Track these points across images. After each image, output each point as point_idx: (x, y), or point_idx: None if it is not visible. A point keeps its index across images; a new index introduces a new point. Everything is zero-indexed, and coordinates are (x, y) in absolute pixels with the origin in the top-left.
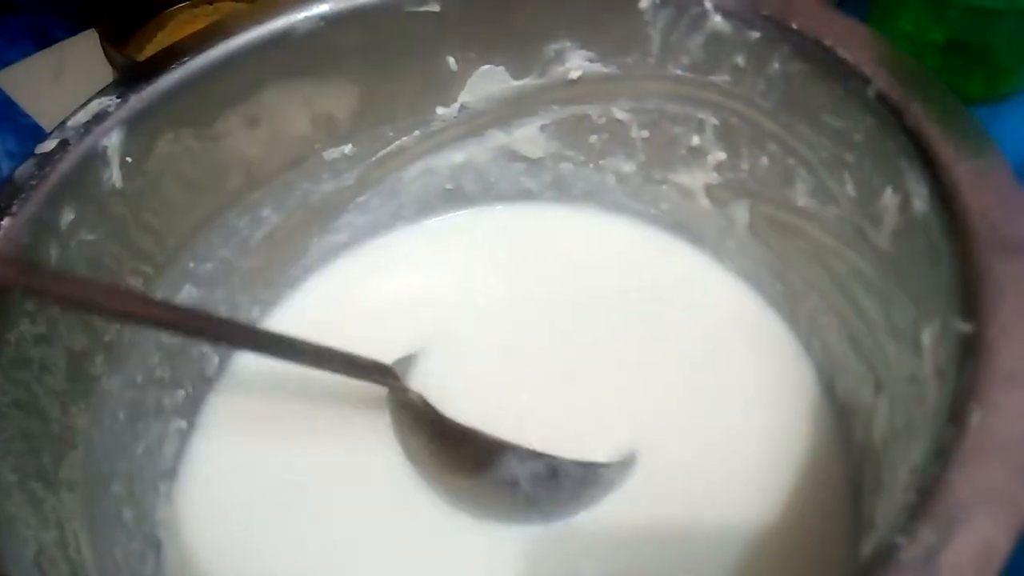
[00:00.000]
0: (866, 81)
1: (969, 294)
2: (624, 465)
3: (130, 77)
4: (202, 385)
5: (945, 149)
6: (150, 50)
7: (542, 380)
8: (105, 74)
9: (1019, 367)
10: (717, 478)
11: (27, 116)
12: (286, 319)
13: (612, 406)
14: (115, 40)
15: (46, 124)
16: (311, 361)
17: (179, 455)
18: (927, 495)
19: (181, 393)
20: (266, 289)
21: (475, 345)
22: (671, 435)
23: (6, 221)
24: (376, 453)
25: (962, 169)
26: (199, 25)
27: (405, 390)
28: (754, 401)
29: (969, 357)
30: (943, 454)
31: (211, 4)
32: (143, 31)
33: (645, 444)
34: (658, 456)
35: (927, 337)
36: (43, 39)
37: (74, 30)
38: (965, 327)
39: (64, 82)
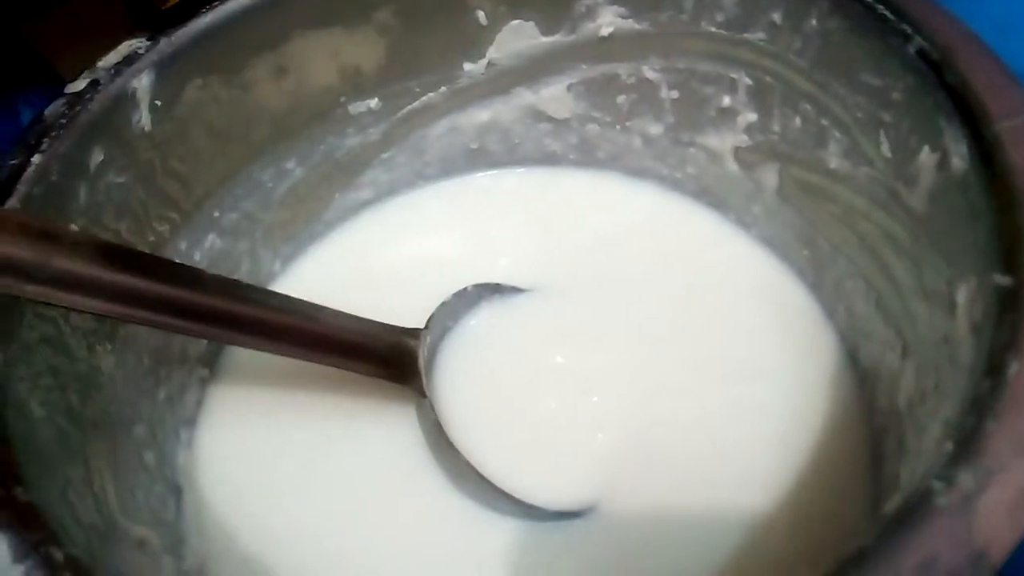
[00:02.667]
0: (907, 38)
1: (1009, 249)
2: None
3: (160, 21)
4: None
5: (986, 106)
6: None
7: (560, 345)
8: (125, 26)
9: None
10: (735, 447)
11: (47, 65)
12: (306, 274)
13: (632, 371)
14: None
15: (66, 74)
16: (314, 351)
17: (200, 403)
18: (964, 444)
19: (204, 342)
20: (288, 243)
21: (494, 309)
22: (689, 402)
23: (36, 158)
24: (396, 407)
25: (1003, 126)
26: None
27: (422, 395)
28: (775, 369)
29: (1008, 310)
30: (980, 405)
31: None
32: None
33: (662, 410)
34: (676, 422)
35: (962, 295)
36: None
37: None
38: (1004, 281)
39: (84, 34)
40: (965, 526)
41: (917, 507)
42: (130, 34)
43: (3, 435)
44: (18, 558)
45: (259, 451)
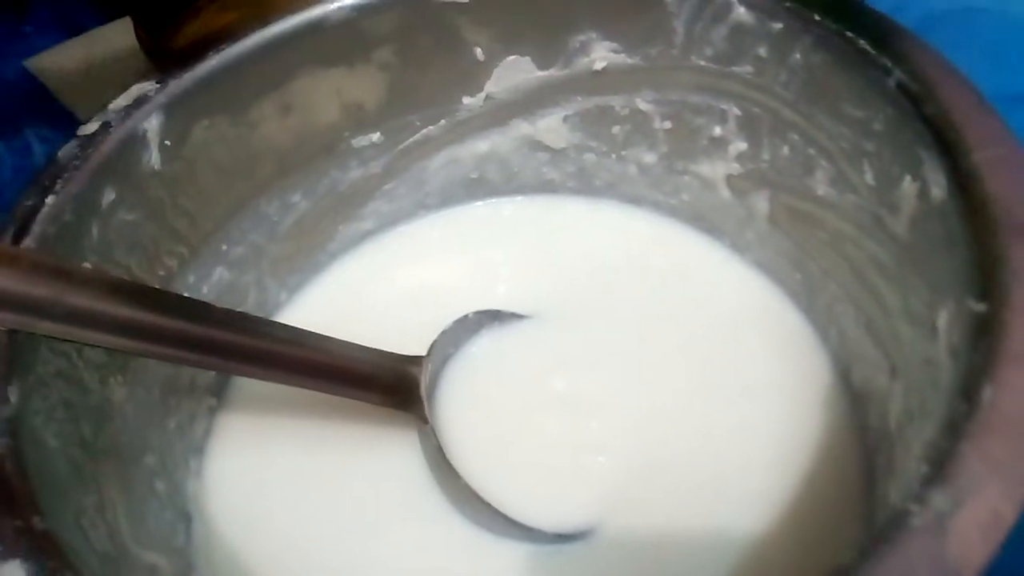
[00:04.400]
0: (887, 71)
1: (985, 276)
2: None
3: (169, 64)
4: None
5: (963, 137)
6: (182, 39)
7: (559, 370)
8: (135, 62)
9: None
10: (732, 468)
11: (58, 102)
12: (311, 303)
13: (629, 395)
14: (149, 28)
15: (77, 110)
16: (314, 380)
17: (208, 432)
18: (939, 466)
19: (212, 372)
20: (293, 273)
21: (494, 336)
22: (686, 425)
23: (50, 199)
24: (399, 433)
25: (980, 157)
26: (229, 17)
27: (424, 421)
28: (770, 391)
29: (982, 336)
30: (955, 429)
31: None
32: (176, 21)
33: (660, 433)
34: (673, 445)
35: (942, 319)
36: (72, 28)
37: (102, 20)
38: (979, 307)
39: (94, 69)
40: (939, 546)
41: (894, 528)
42: (142, 73)
43: (21, 467)
44: None
45: (266, 478)
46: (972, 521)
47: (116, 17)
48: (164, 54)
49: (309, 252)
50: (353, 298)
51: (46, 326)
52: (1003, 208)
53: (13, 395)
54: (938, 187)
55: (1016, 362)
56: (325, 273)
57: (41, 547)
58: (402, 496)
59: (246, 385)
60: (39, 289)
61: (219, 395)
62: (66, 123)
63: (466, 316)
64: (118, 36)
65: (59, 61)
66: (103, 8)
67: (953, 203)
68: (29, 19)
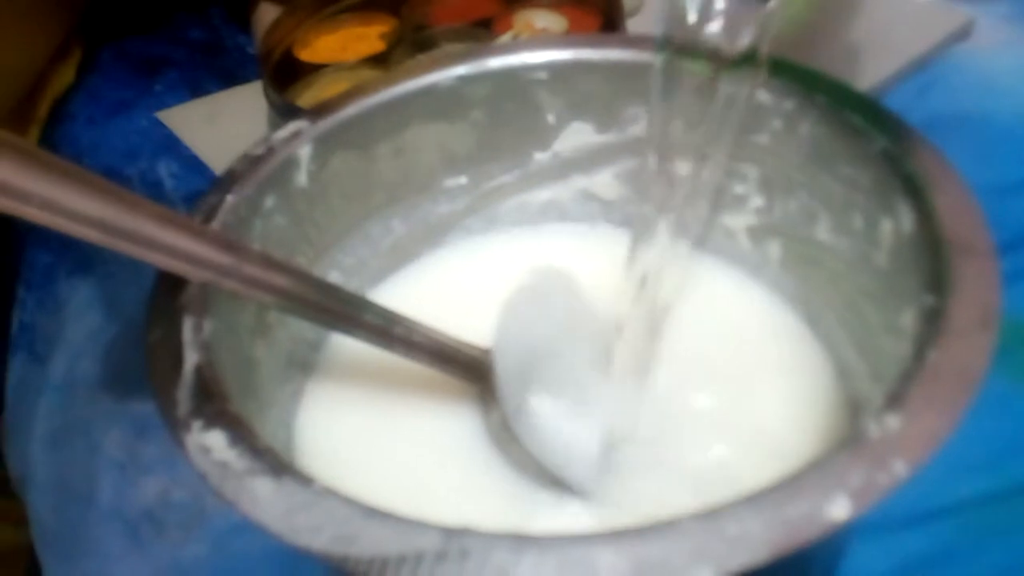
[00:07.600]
0: (873, 139)
1: (937, 281)
2: None
3: (318, 110)
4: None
5: (928, 187)
6: (302, 100)
7: (597, 362)
8: (249, 121)
9: (965, 326)
10: (747, 463)
11: (186, 148)
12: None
13: (660, 397)
14: (278, 89)
15: (203, 155)
16: (410, 350)
17: (301, 402)
18: (894, 400)
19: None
20: (384, 285)
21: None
22: (709, 427)
23: (230, 198)
24: (449, 411)
25: (938, 200)
26: (342, 85)
27: (490, 392)
28: (786, 408)
29: (932, 320)
30: (907, 378)
31: (350, 70)
32: (295, 86)
33: (687, 439)
34: (699, 453)
35: (907, 319)
36: (197, 90)
37: (222, 85)
38: (931, 301)
39: (216, 124)
40: (888, 452)
41: (856, 438)
42: (305, 112)
43: (215, 373)
44: (232, 444)
45: (346, 438)
46: (916, 435)
47: (236, 83)
48: (288, 109)
49: (397, 270)
50: (426, 306)
51: (229, 284)
52: (952, 234)
53: (207, 328)
54: (907, 223)
55: (954, 335)
56: (401, 283)
57: (233, 423)
58: (459, 452)
59: (331, 366)
60: (223, 257)
61: (309, 374)
62: (192, 163)
63: None
64: (235, 99)
65: (186, 116)
66: (220, 76)
67: (918, 234)
68: (159, 79)
